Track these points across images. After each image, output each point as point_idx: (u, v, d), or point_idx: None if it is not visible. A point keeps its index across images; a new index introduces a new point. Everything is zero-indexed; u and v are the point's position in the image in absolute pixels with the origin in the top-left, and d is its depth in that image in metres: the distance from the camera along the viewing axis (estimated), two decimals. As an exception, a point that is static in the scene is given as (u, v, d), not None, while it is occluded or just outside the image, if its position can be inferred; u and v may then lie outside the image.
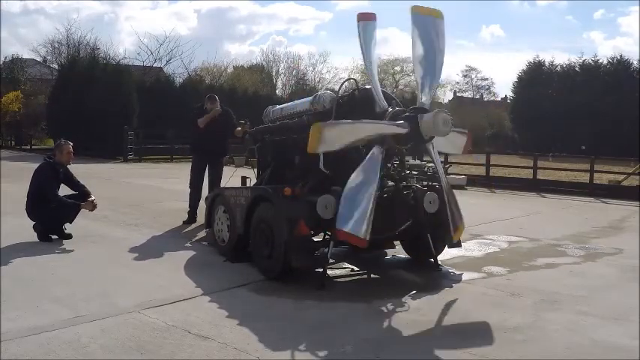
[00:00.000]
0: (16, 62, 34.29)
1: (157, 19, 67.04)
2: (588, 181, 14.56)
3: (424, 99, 5.23)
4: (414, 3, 5.36)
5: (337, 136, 4.86)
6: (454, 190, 5.69)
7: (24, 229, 6.75)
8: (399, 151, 5.44)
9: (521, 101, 37.59)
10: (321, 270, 5.22)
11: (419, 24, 5.28)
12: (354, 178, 4.91)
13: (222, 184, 7.91)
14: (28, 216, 6.73)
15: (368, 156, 5.00)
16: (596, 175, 14.74)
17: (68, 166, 7.01)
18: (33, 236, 6.60)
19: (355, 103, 5.61)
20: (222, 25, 72.67)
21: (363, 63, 5.63)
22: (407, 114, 5.07)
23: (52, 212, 6.57)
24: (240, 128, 7.85)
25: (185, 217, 8.17)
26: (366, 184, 4.85)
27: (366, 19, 5.36)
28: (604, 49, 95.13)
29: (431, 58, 5.36)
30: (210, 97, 8.35)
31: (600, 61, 36.54)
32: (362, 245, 4.82)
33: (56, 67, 32.90)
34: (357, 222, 4.73)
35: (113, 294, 4.69)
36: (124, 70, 25.78)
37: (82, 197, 6.84)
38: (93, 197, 6.90)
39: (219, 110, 8.18)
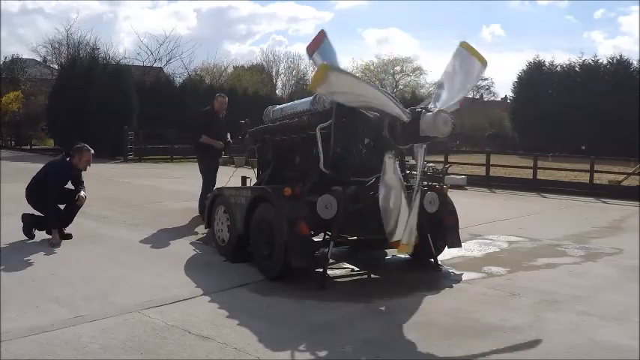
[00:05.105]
0: (16, 62, 34.26)
1: (157, 18, 67.02)
2: (588, 181, 14.56)
3: (431, 106, 5.18)
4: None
5: (341, 82, 4.76)
6: (452, 191, 5.62)
7: (24, 229, 6.75)
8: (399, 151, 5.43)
9: (521, 101, 37.51)
10: (321, 270, 5.22)
11: (461, 56, 5.37)
12: None
13: (222, 184, 7.91)
14: (26, 197, 6.70)
15: None
16: (596, 175, 14.74)
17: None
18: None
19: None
20: (222, 25, 72.65)
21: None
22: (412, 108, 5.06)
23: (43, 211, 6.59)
24: (228, 140, 8.26)
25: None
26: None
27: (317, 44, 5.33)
28: (604, 48, 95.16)
29: (457, 86, 5.40)
30: (220, 96, 8.55)
31: (600, 61, 36.46)
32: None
33: (56, 67, 32.87)
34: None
35: (113, 294, 4.69)
36: (124, 70, 25.72)
37: (73, 194, 6.76)
38: (83, 193, 6.78)
39: (220, 144, 8.32)
